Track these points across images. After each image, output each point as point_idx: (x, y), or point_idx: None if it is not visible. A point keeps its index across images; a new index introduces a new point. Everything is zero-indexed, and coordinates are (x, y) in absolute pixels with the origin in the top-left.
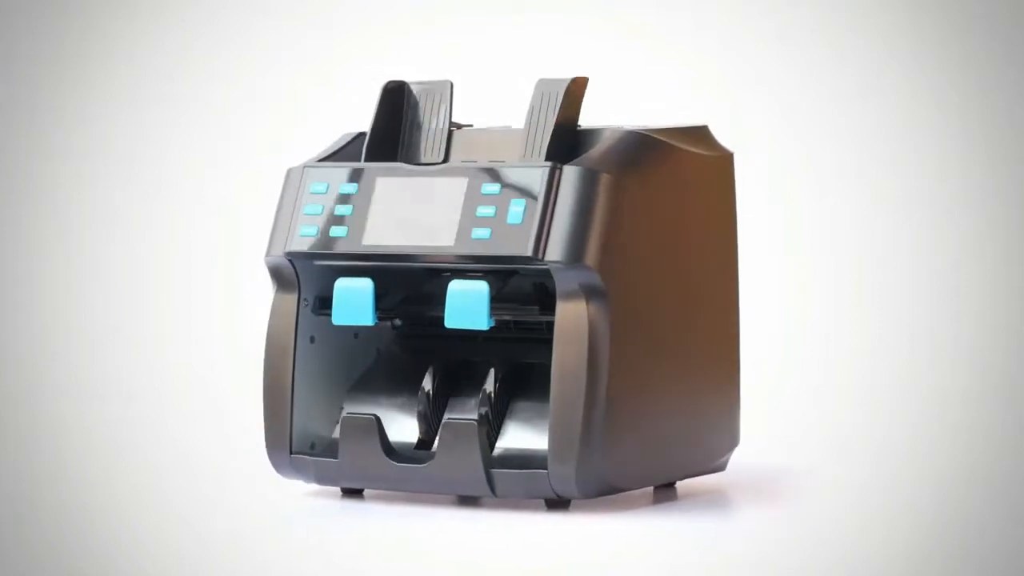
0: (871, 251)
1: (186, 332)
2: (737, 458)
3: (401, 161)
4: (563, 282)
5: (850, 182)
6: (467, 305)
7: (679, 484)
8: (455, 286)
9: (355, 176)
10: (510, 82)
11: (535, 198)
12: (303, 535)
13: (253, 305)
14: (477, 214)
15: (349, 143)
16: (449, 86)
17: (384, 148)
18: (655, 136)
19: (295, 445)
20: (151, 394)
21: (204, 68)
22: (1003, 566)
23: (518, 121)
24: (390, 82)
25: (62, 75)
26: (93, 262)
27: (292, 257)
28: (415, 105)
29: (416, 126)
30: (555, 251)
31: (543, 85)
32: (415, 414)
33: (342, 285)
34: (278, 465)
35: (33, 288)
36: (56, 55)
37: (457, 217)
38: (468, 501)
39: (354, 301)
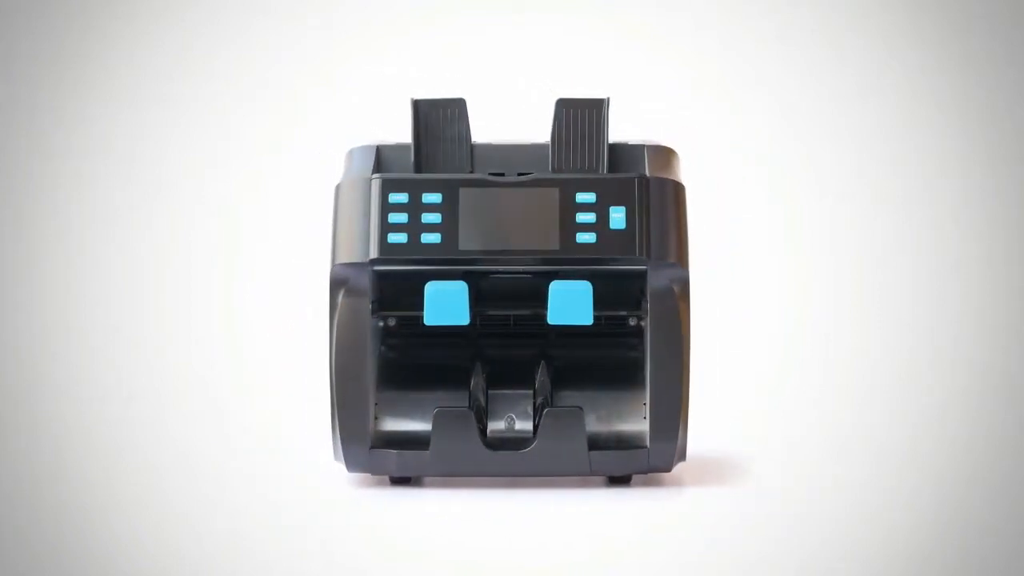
0: (871, 251)
1: (186, 332)
2: (737, 457)
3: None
4: (657, 279)
5: (850, 182)
6: (572, 303)
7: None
8: (558, 286)
9: (437, 187)
10: (511, 82)
11: (632, 205)
12: (303, 535)
13: (253, 305)
14: (578, 220)
15: (377, 156)
16: (463, 103)
17: (420, 160)
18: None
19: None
20: (151, 394)
21: (204, 68)
22: (1003, 566)
23: (517, 123)
24: (418, 99)
25: (62, 75)
26: (93, 262)
27: (378, 264)
28: (435, 120)
29: (436, 140)
30: (656, 251)
31: (573, 104)
32: (469, 408)
33: (436, 288)
34: (354, 459)
35: (33, 288)
36: (56, 55)
37: (556, 223)
38: (470, 485)
39: (449, 302)
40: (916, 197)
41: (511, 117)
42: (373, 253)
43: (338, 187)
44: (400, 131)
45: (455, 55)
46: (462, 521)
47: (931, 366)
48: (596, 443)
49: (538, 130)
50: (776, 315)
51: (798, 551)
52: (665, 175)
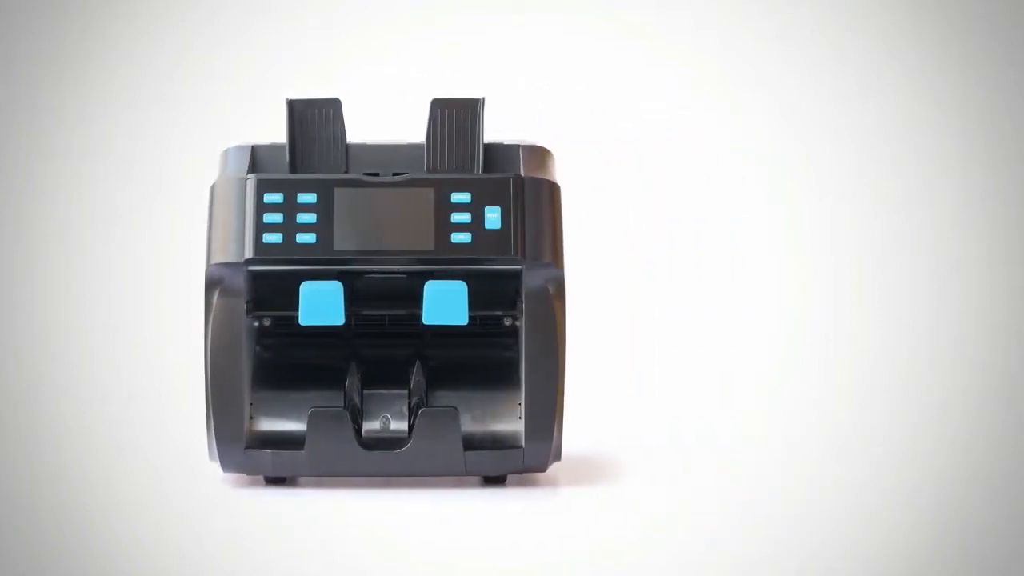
0: (871, 251)
1: (186, 332)
2: (737, 457)
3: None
4: (533, 279)
5: (850, 182)
6: (447, 303)
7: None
8: (432, 286)
9: (311, 187)
10: (511, 81)
11: (507, 205)
12: (304, 535)
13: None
14: (453, 220)
15: (252, 156)
16: (339, 103)
17: (295, 160)
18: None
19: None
20: (151, 394)
21: (204, 68)
22: (1003, 566)
23: (516, 123)
24: (292, 99)
25: (62, 75)
26: (93, 262)
27: (253, 264)
28: (311, 120)
29: (311, 140)
30: (531, 251)
31: (448, 104)
32: (344, 408)
33: (310, 288)
34: (229, 459)
35: (33, 288)
36: (56, 55)
37: (431, 223)
38: (440, 484)
39: (324, 302)
40: (916, 197)
41: (511, 117)
42: (248, 253)
43: (213, 187)
44: (402, 129)
45: (454, 55)
46: (454, 511)
47: (931, 366)
48: (471, 443)
49: (536, 131)
50: (776, 315)
51: (798, 551)
52: (540, 175)
